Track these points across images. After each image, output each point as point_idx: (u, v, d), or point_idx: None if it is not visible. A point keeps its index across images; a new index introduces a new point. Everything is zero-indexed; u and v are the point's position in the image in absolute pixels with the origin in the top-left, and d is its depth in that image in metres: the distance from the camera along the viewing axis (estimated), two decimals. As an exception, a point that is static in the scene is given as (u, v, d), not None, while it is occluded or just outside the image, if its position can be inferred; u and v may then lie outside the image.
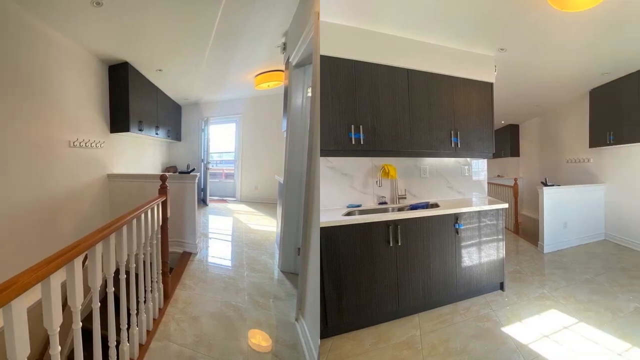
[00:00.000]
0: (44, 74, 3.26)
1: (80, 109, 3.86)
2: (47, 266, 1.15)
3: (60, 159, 3.52)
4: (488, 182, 3.87)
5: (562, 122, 6.38)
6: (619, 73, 4.30)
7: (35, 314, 1.24)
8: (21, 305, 1.01)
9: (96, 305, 1.60)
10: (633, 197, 4.65)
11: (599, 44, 3.33)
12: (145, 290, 2.32)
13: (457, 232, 2.91)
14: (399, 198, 3.27)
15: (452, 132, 3.16)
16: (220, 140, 8.60)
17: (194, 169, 4.33)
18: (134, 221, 2.09)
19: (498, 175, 8.96)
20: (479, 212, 3.02)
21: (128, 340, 2.01)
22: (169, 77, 5.26)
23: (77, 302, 1.38)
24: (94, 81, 4.13)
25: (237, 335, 2.46)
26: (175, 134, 7.25)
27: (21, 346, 1.01)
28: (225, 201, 7.88)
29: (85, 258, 1.57)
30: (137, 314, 2.19)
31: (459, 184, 3.60)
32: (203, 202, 7.38)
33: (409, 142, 2.95)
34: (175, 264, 3.69)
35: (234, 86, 6.21)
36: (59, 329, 1.22)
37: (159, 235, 2.76)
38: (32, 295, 1.13)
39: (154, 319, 2.47)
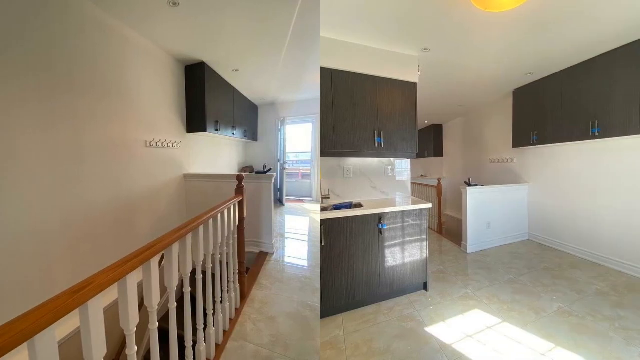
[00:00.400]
0: (121, 74, 3.35)
1: (157, 109, 3.96)
2: (123, 266, 1.20)
3: (137, 159, 3.60)
4: (412, 182, 3.99)
5: (486, 122, 6.46)
6: (543, 73, 4.43)
7: (112, 314, 1.30)
8: (98, 305, 1.06)
9: (173, 305, 1.66)
10: (556, 197, 4.78)
11: (522, 44, 3.40)
12: (221, 290, 2.41)
13: (381, 232, 3.01)
14: (322, 198, 3.38)
15: (375, 132, 3.26)
16: (297, 140, 8.80)
17: (270, 169, 4.42)
18: (211, 221, 2.16)
19: (422, 175, 9.36)
20: (402, 212, 3.11)
21: (205, 340, 2.09)
22: (245, 77, 5.47)
23: (154, 302, 1.44)
24: (170, 81, 4.25)
25: (314, 335, 2.48)
26: (251, 134, 7.55)
27: (98, 346, 1.06)
28: (301, 201, 8.04)
29: (162, 258, 1.64)
30: (214, 313, 2.29)
31: (382, 184, 3.75)
32: (280, 202, 7.62)
33: (332, 142, 3.07)
34: (251, 263, 3.83)
35: (310, 86, 6.26)
36: (135, 329, 1.27)
37: (236, 235, 2.86)
38: (109, 295, 1.18)
39: (230, 319, 2.56)
